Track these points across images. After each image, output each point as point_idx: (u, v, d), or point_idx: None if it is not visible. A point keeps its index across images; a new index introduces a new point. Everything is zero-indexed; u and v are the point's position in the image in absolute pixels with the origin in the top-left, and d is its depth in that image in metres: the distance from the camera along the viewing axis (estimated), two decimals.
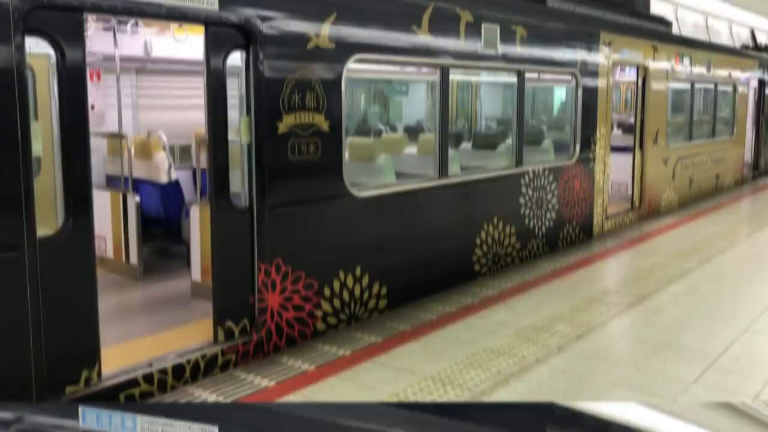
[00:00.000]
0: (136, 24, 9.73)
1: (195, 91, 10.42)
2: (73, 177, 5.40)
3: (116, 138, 9.49)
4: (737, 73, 19.09)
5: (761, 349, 7.06)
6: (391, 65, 9.77)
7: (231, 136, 6.51)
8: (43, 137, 5.61)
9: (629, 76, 14.21)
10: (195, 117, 10.08)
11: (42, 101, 6.80)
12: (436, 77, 8.85)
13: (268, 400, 5.82)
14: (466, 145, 12.48)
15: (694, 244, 11.85)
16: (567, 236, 11.57)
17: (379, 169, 9.32)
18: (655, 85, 14.21)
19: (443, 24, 8.58)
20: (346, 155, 7.53)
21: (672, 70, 14.93)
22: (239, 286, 6.65)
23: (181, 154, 11.03)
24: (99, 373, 5.65)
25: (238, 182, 6.70)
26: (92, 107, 9.63)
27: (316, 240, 7.24)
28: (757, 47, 25.85)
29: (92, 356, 5.61)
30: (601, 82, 12.07)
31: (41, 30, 5.10)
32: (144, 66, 10.32)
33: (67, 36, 5.21)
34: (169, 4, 5.73)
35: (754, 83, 21.22)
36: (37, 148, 5.19)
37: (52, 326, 5.31)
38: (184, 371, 6.17)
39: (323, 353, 6.84)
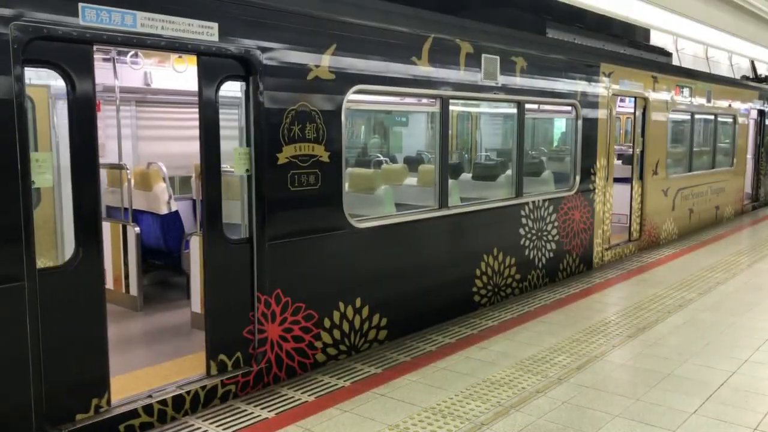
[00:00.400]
0: (136, 55, 9.79)
1: (195, 122, 10.46)
2: (83, 207, 5.41)
3: (116, 169, 9.51)
4: (737, 104, 19.14)
5: (761, 380, 7.04)
6: (391, 96, 9.80)
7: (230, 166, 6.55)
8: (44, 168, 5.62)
9: (629, 107, 14.24)
10: (195, 148, 10.11)
11: (42, 132, 6.82)
12: (436, 108, 8.90)
13: (267, 431, 5.81)
14: (466, 176, 12.50)
15: (693, 275, 11.85)
16: (567, 267, 11.56)
17: (379, 200, 9.34)
18: (655, 116, 14.26)
19: (443, 55, 8.62)
20: (346, 186, 7.54)
21: (672, 101, 14.99)
22: (240, 317, 6.65)
23: (181, 185, 11.05)
24: (108, 401, 5.66)
25: (238, 213, 6.71)
26: None
27: (316, 271, 7.23)
28: (757, 78, 25.96)
29: (102, 385, 5.62)
30: (601, 113, 12.12)
31: (42, 60, 5.13)
32: (144, 97, 10.36)
33: (75, 66, 5.25)
34: (169, 36, 5.77)
35: (754, 114, 21.28)
36: (46, 178, 5.18)
37: (62, 356, 5.32)
38: (184, 402, 6.15)
39: (323, 384, 6.82)
